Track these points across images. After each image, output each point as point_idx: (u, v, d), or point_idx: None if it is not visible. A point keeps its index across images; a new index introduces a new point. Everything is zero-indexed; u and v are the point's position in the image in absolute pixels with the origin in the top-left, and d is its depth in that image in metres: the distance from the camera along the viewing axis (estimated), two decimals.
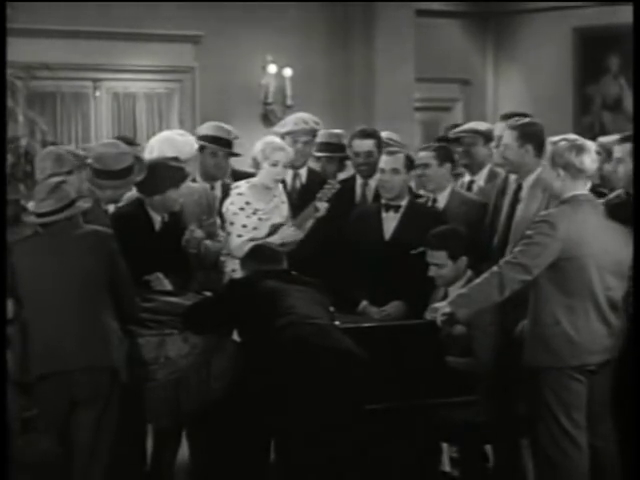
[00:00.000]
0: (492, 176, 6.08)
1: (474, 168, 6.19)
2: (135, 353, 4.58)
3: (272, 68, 9.03)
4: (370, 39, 9.32)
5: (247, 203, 5.49)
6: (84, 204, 4.56)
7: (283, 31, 9.02)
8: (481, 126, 6.33)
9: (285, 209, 5.69)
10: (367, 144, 6.07)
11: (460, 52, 10.62)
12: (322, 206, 5.62)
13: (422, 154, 5.85)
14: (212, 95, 8.73)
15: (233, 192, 5.52)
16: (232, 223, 5.49)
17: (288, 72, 9.09)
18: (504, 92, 10.82)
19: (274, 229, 5.53)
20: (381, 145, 6.07)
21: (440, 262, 5.13)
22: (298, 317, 4.44)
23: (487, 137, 6.11)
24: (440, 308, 4.66)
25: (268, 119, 8.85)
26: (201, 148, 5.82)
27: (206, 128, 5.99)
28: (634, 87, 8.84)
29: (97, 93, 8.57)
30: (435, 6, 10.25)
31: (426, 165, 5.80)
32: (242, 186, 5.54)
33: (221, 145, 5.83)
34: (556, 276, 4.55)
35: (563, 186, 4.63)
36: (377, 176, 5.66)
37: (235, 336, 4.72)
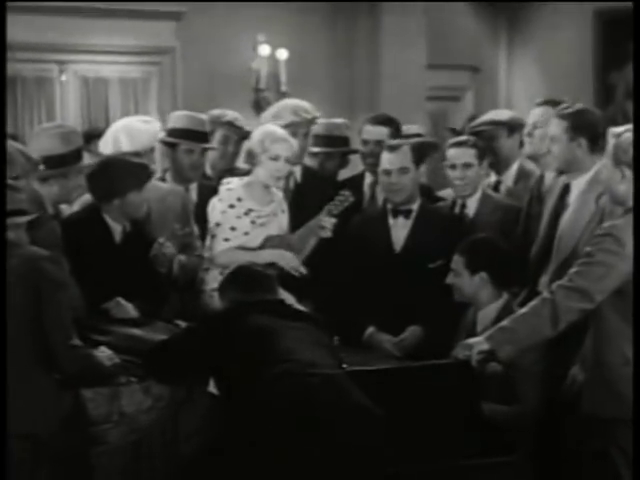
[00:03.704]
0: (522, 175, 5.66)
1: (499, 166, 5.71)
2: (79, 409, 3.99)
3: (264, 49, 8.79)
4: (376, 17, 8.99)
5: (239, 199, 4.93)
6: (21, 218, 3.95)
7: (277, 7, 8.73)
8: (502, 115, 5.89)
9: (285, 221, 5.10)
10: (378, 132, 5.63)
11: (470, 37, 10.30)
12: (329, 222, 4.99)
13: (458, 151, 5.32)
14: (195, 80, 8.48)
15: (222, 188, 5.00)
16: (218, 224, 4.91)
17: (283, 54, 8.85)
18: (518, 81, 10.54)
19: (268, 242, 4.95)
20: (399, 136, 5.59)
21: (456, 268, 4.75)
22: (297, 366, 3.83)
23: (510, 127, 5.69)
24: (475, 345, 4.14)
25: (260, 108, 8.27)
26: (172, 145, 5.36)
27: (176, 120, 5.47)
28: (634, 85, 8.70)
29: (63, 77, 8.32)
30: None
31: (467, 165, 5.27)
32: (234, 182, 5.02)
33: (197, 140, 5.34)
34: (624, 304, 4.06)
35: (630, 190, 4.11)
36: (380, 177, 5.22)
37: (211, 387, 4.14)
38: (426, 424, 4.20)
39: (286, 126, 5.32)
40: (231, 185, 4.99)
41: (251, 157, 4.97)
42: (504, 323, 4.16)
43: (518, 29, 10.47)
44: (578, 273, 4.05)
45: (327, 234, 4.95)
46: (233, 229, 4.90)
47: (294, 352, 3.88)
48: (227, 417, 3.96)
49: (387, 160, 5.11)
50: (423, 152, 5.29)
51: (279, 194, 5.09)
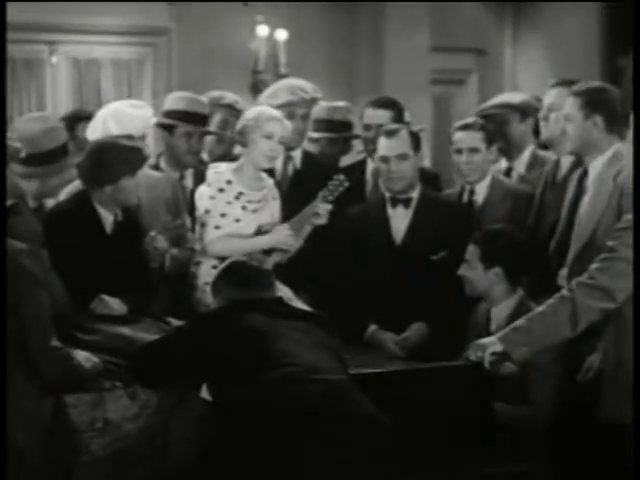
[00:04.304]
0: (536, 161, 5.47)
1: (511, 152, 5.52)
2: (60, 417, 3.77)
3: (263, 30, 8.77)
4: None
5: (228, 182, 4.74)
6: None
7: None
8: (515, 98, 5.71)
9: (277, 207, 4.89)
10: (380, 115, 5.39)
11: (475, 19, 10.11)
12: (324, 209, 4.78)
13: (464, 135, 5.15)
14: (191, 62, 8.47)
15: (210, 172, 4.82)
16: (208, 211, 4.73)
17: (282, 35, 8.81)
18: (524, 64, 10.32)
19: (262, 230, 4.76)
20: (401, 121, 5.37)
21: (470, 259, 4.61)
22: (298, 370, 3.60)
23: (523, 111, 5.52)
24: (488, 345, 4.01)
25: (258, 90, 8.07)
26: (169, 128, 5.19)
27: (175, 101, 5.29)
28: (634, 85, 8.41)
29: (54, 59, 8.32)
30: None
31: (474, 150, 5.10)
32: (222, 166, 4.84)
33: (195, 123, 5.17)
34: None
35: None
36: (378, 165, 5.05)
37: (204, 393, 3.93)
38: (437, 429, 4.11)
39: (282, 105, 5.18)
40: (219, 169, 4.82)
41: (243, 136, 4.78)
42: (519, 323, 4.03)
43: (524, 11, 10.28)
44: (600, 269, 3.91)
45: (322, 221, 4.76)
46: (223, 215, 4.71)
47: (293, 355, 3.68)
48: (220, 425, 3.77)
49: (385, 146, 4.91)
50: (419, 136, 5.09)
51: (270, 180, 4.91)
